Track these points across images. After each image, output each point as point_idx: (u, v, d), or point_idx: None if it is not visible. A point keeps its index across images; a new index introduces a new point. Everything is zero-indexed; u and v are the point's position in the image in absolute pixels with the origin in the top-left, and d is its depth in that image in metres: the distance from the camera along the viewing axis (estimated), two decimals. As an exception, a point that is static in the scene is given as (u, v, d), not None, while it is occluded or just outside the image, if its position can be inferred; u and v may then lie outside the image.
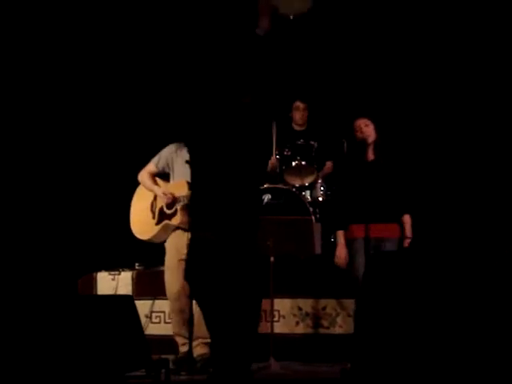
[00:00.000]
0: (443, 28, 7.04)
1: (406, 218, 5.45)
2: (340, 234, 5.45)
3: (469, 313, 3.22)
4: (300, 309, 6.06)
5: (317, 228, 5.69)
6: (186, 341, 5.51)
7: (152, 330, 6.12)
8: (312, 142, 6.76)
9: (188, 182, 5.48)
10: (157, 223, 5.73)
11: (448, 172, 6.90)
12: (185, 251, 5.51)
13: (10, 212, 6.78)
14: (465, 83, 7.00)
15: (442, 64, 7.06)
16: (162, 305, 6.05)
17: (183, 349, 5.56)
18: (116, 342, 4.19)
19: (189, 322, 5.33)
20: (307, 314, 6.06)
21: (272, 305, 5.43)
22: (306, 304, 6.06)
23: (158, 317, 6.22)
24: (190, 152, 3.77)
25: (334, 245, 5.67)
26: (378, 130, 5.48)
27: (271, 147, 6.64)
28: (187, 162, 5.32)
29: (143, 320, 5.73)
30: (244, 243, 3.59)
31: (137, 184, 5.94)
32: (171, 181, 5.72)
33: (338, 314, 6.02)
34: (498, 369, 3.14)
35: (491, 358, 3.16)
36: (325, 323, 6.04)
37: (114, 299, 4.79)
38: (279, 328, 5.92)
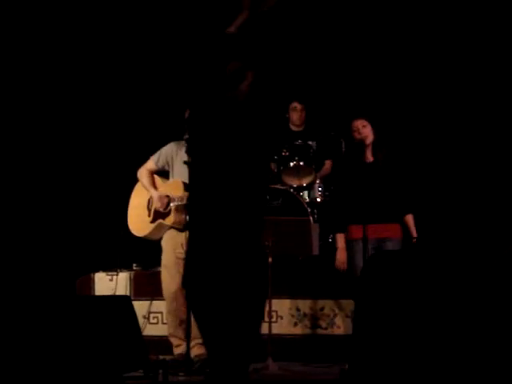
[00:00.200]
0: (442, 28, 7.03)
1: (409, 219, 5.45)
2: (339, 238, 5.45)
3: (468, 312, 3.22)
4: (298, 309, 6.06)
5: (315, 229, 5.68)
6: (181, 342, 5.52)
7: (150, 330, 6.12)
8: (310, 143, 6.75)
9: (184, 183, 5.49)
10: (151, 221, 5.74)
11: (447, 172, 6.89)
12: (181, 250, 5.55)
13: (8, 212, 6.77)
14: (464, 82, 6.99)
15: (441, 63, 7.05)
16: (160, 305, 6.04)
17: (177, 350, 5.56)
18: (114, 342, 4.19)
19: (186, 323, 5.32)
20: (305, 315, 6.05)
21: (270, 305, 5.42)
22: (304, 305, 6.06)
23: (155, 317, 6.22)
24: (189, 150, 3.73)
25: (332, 245, 5.68)
26: (375, 130, 5.48)
27: (275, 146, 6.64)
28: (185, 162, 5.33)
29: (141, 321, 5.72)
30: (248, 243, 3.56)
31: (135, 184, 5.94)
32: (170, 179, 5.72)
33: (336, 315, 6.02)
34: (498, 369, 3.14)
35: (491, 358, 3.15)
36: (323, 324, 6.03)
37: (112, 300, 4.79)
38: (277, 329, 5.91)
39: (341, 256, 5.42)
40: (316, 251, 5.62)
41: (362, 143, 5.44)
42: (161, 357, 5.40)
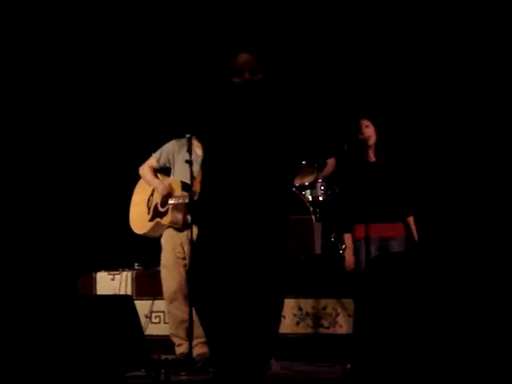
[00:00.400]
0: (444, 29, 7.02)
1: (410, 221, 5.44)
2: (347, 237, 5.42)
3: (469, 312, 3.21)
4: (300, 309, 6.05)
5: (317, 228, 5.68)
6: (182, 342, 5.51)
7: (152, 330, 6.12)
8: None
9: (182, 182, 5.48)
10: (150, 220, 5.75)
11: (449, 173, 6.88)
12: (180, 249, 5.55)
13: (10, 212, 6.76)
14: (466, 84, 6.98)
15: (444, 64, 7.04)
16: (162, 305, 6.03)
17: (179, 350, 5.55)
18: (116, 342, 4.18)
19: (188, 322, 5.32)
20: (307, 314, 6.04)
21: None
22: (307, 304, 6.05)
23: (157, 317, 6.22)
24: (204, 144, 3.58)
25: (335, 245, 5.67)
26: (378, 130, 5.47)
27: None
28: (187, 161, 5.33)
29: (143, 320, 5.72)
30: (270, 242, 3.47)
31: (137, 183, 5.94)
32: (171, 176, 5.72)
33: (338, 314, 6.01)
34: (498, 369, 3.13)
35: (491, 359, 3.15)
36: (325, 323, 6.02)
37: (114, 299, 4.79)
38: (279, 328, 5.89)
39: (349, 256, 5.39)
40: (318, 250, 5.62)
41: (364, 143, 5.44)
42: (163, 356, 5.41)
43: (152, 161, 5.76)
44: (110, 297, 5.48)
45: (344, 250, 5.45)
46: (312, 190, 6.76)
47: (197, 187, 5.49)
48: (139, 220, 5.82)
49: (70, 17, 7.03)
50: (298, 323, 6.04)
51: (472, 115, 6.91)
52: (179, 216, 5.53)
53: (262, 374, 3.50)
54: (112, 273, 6.36)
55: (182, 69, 7.03)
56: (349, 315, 5.95)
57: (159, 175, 5.80)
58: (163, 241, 5.67)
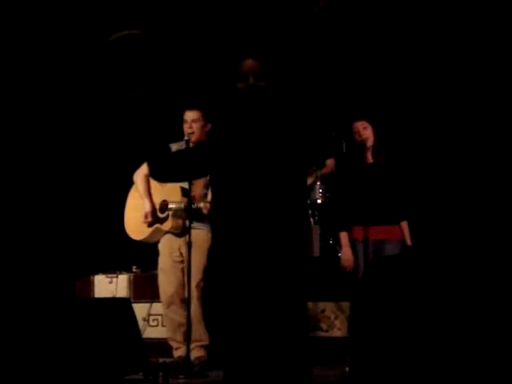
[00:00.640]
0: (442, 30, 7.02)
1: (404, 226, 5.41)
2: (343, 236, 5.40)
3: (466, 315, 3.21)
4: (298, 312, 6.03)
5: (315, 230, 5.67)
6: (180, 345, 5.51)
7: (149, 333, 6.11)
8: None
9: (181, 188, 5.47)
10: (148, 225, 5.70)
11: (447, 176, 6.88)
12: (177, 254, 5.54)
13: (7, 215, 6.75)
14: (464, 86, 6.98)
15: (442, 66, 7.03)
16: (160, 308, 6.00)
17: (177, 353, 5.54)
18: (114, 345, 4.17)
19: (186, 325, 5.31)
20: (306, 317, 6.02)
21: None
22: (305, 307, 6.03)
23: (155, 320, 6.21)
24: (212, 152, 3.53)
25: (333, 247, 5.65)
26: (376, 132, 5.46)
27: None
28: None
29: (141, 323, 5.70)
30: (291, 245, 3.42)
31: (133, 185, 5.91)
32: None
33: (336, 317, 6.00)
34: (497, 373, 3.12)
35: (490, 363, 3.14)
36: (324, 326, 6.01)
37: (112, 302, 4.78)
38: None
39: (346, 253, 5.33)
40: (316, 253, 5.60)
41: (362, 145, 5.42)
42: (161, 359, 5.39)
43: (147, 168, 5.69)
44: (108, 300, 5.47)
45: (341, 250, 5.42)
46: (311, 192, 6.74)
47: (196, 192, 5.49)
48: (136, 225, 5.75)
49: (70, 17, 7.01)
50: (296, 326, 6.02)
51: (470, 116, 6.91)
52: (180, 222, 5.53)
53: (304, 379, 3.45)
54: (109, 276, 6.35)
55: (186, 72, 7.02)
56: (347, 318, 5.94)
57: (153, 182, 5.72)
58: (160, 245, 5.66)
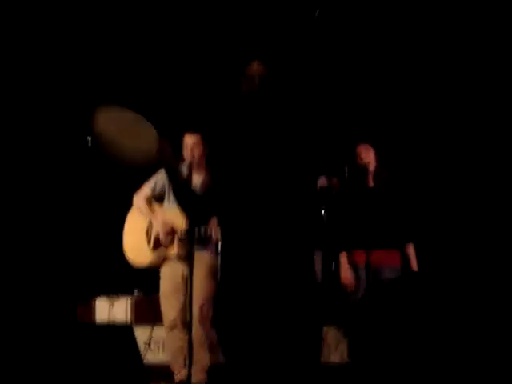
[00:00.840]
0: (446, 49, 7.00)
1: (410, 249, 5.41)
2: (343, 256, 5.40)
3: (464, 340, 3.21)
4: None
5: (317, 255, 5.66)
6: (181, 369, 5.48)
7: (151, 357, 6.08)
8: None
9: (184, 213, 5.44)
10: (154, 248, 5.62)
11: (450, 198, 6.87)
12: (179, 278, 5.50)
13: (7, 238, 6.74)
14: (466, 109, 6.98)
15: (445, 87, 7.03)
16: (161, 331, 5.97)
17: (178, 377, 5.54)
18: (115, 372, 4.17)
19: (188, 349, 5.28)
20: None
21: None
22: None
23: (156, 343, 6.17)
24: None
25: (336, 272, 5.63)
26: (378, 155, 5.47)
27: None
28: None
29: (142, 347, 5.67)
30: (302, 268, 3.44)
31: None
32: (165, 203, 5.65)
33: (338, 343, 5.98)
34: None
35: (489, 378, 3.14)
36: (325, 351, 5.99)
37: (114, 329, 4.76)
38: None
39: (346, 273, 5.36)
40: (318, 278, 5.58)
41: (364, 169, 5.43)
42: (162, 384, 5.40)
43: (147, 191, 5.67)
44: (110, 327, 5.46)
45: (341, 269, 5.40)
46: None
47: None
48: (138, 250, 5.67)
49: (71, 17, 7.01)
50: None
51: (472, 141, 6.91)
52: (186, 248, 5.45)
53: None
54: (111, 299, 6.32)
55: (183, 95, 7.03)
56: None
57: (155, 205, 5.70)
58: (162, 270, 5.63)
